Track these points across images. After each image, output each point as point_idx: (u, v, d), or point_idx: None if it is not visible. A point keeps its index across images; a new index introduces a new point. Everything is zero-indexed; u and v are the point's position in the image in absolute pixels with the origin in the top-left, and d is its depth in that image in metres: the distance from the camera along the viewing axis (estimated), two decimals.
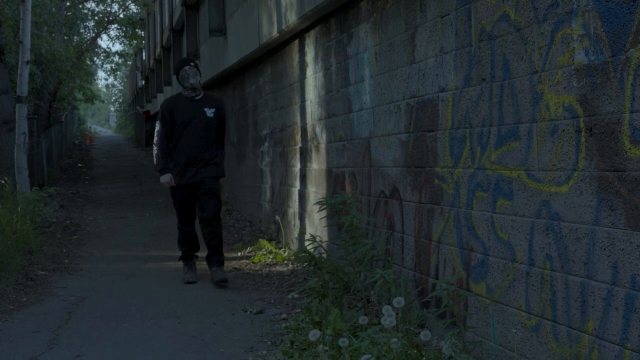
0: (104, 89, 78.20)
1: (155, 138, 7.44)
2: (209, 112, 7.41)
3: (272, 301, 6.52)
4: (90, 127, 53.96)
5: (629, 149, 3.05)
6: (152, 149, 7.98)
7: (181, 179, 7.35)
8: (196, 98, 7.45)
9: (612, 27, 3.14)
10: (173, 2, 23.82)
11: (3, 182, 10.49)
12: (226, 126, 7.70)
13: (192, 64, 7.43)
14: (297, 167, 8.75)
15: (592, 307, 3.30)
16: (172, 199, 7.67)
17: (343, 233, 5.88)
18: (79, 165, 25.06)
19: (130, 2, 31.39)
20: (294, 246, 8.79)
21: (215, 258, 7.41)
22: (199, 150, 7.35)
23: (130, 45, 39.45)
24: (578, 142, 3.38)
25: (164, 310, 6.26)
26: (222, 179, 8.69)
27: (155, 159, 7.45)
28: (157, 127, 7.44)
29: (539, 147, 3.69)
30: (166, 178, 7.36)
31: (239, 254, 9.03)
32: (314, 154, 7.99)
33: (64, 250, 9.56)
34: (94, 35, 32.60)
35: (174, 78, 22.38)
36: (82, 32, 32.91)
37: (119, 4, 31.71)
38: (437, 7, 4.82)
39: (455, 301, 4.43)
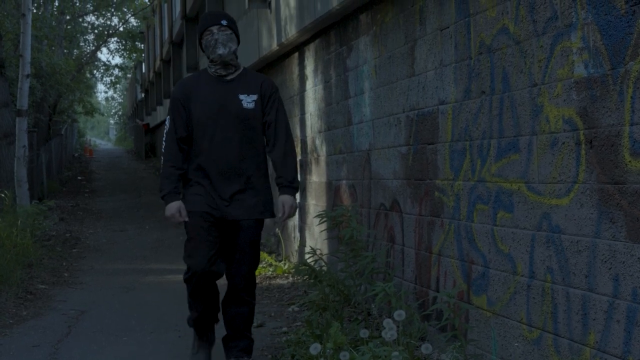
0: (103, 102, 78.34)
1: (163, 144, 4.70)
2: (248, 100, 4.63)
3: (273, 314, 6.51)
4: (89, 139, 54.03)
5: (629, 161, 3.05)
6: (159, 162, 4.87)
7: (203, 206, 4.59)
8: (228, 78, 4.67)
9: (611, 40, 3.14)
10: (173, 16, 23.89)
11: (3, 195, 10.49)
12: (282, 120, 4.70)
13: (223, 22, 4.62)
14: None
15: (594, 319, 3.29)
16: (184, 230, 4.74)
17: (343, 246, 5.88)
18: (79, 178, 25.07)
19: (130, 15, 31.49)
20: (294, 259, 8.78)
21: (237, 344, 4.79)
22: (233, 164, 4.61)
23: (130, 58, 39.56)
24: (578, 155, 3.38)
25: (164, 324, 6.24)
26: None
27: (160, 175, 4.71)
28: (166, 125, 4.72)
29: (539, 159, 3.69)
30: (171, 210, 4.54)
31: None
32: (313, 167, 7.99)
33: (64, 264, 9.55)
34: (93, 48, 32.69)
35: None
36: (82, 46, 33.01)
37: (119, 18, 31.81)
38: (437, 20, 4.83)
39: (456, 314, 4.43)
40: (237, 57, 4.71)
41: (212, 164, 4.61)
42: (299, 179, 4.77)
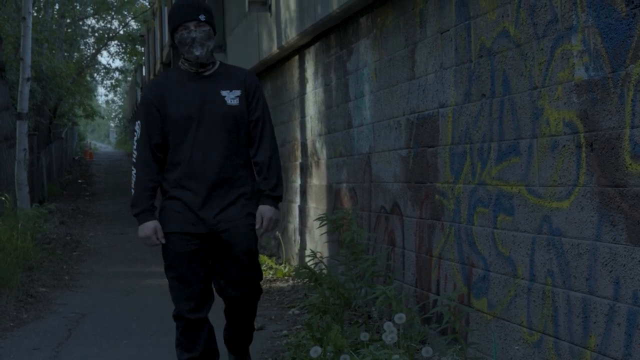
0: (104, 105, 78.38)
1: (134, 154, 4.11)
2: (231, 96, 4.09)
3: (273, 317, 6.50)
4: (90, 143, 54.01)
5: (630, 164, 3.05)
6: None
7: (184, 225, 4.03)
8: (206, 74, 4.13)
9: (611, 43, 3.14)
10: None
11: (3, 198, 10.49)
12: (267, 118, 4.21)
13: (201, 17, 4.05)
14: (297, 182, 8.75)
15: (594, 323, 3.29)
16: (163, 259, 4.14)
17: (344, 249, 5.87)
18: (79, 181, 25.07)
19: (130, 18, 31.51)
20: (295, 262, 8.78)
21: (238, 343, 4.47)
22: (218, 168, 4.04)
23: (130, 61, 39.59)
24: (579, 158, 3.38)
25: (164, 327, 6.23)
26: None
27: (132, 189, 4.07)
28: (136, 132, 4.12)
29: (539, 162, 3.69)
30: (146, 231, 4.00)
31: None
32: (314, 170, 7.99)
33: (64, 267, 9.55)
34: (94, 51, 32.71)
35: None
36: (82, 49, 33.03)
37: (119, 21, 31.83)
38: (437, 23, 4.83)
39: (457, 317, 4.42)
40: (212, 54, 4.17)
41: (195, 172, 4.01)
42: (282, 185, 4.22)
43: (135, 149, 4.07)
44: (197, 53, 4.03)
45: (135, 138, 4.06)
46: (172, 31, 4.11)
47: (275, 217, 4.12)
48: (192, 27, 4.03)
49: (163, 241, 4.00)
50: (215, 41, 4.15)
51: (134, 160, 4.06)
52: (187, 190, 4.02)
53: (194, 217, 4.01)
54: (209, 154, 4.03)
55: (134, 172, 4.03)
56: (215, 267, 4.11)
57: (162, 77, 4.25)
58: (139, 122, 4.08)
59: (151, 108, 4.06)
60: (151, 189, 4.03)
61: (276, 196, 4.12)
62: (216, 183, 4.03)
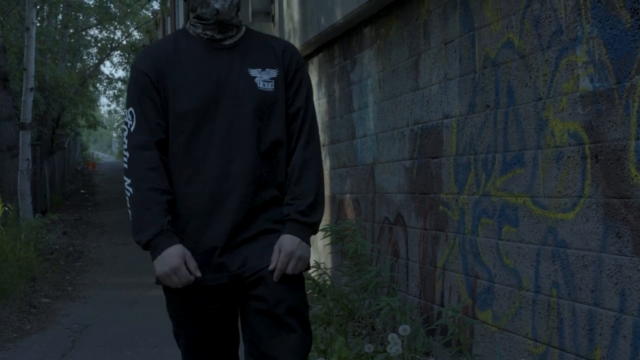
0: (106, 115, 78.47)
1: (126, 155, 2.67)
2: (264, 77, 2.71)
3: None
4: (92, 153, 54.10)
5: (635, 175, 3.04)
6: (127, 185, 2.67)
7: (200, 273, 2.63)
8: (227, 43, 2.73)
9: (617, 54, 3.14)
10: (176, 29, 23.95)
11: (6, 208, 10.49)
12: (310, 110, 2.75)
13: None
14: None
15: (600, 335, 3.28)
16: (170, 318, 2.79)
17: (347, 260, 5.86)
18: (82, 191, 25.08)
19: (133, 29, 31.61)
20: None
21: None
22: (246, 182, 2.65)
23: None
24: (584, 169, 3.38)
25: (167, 338, 6.21)
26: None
27: (130, 210, 2.65)
28: (130, 123, 2.68)
29: (544, 173, 3.69)
30: (172, 260, 2.57)
31: None
32: None
33: (67, 278, 9.54)
34: (97, 61, 32.78)
35: None
36: (85, 59, 33.10)
37: (122, 31, 31.92)
38: (441, 34, 4.83)
39: (461, 329, 4.41)
40: (238, 11, 2.78)
41: (209, 186, 2.64)
42: (322, 207, 2.77)
43: (128, 148, 2.67)
44: (218, 5, 2.64)
45: (128, 132, 2.67)
46: None
47: (300, 254, 2.69)
48: None
49: (198, 273, 2.61)
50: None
51: (127, 165, 2.66)
52: (195, 217, 2.67)
53: (211, 260, 2.66)
54: (231, 159, 2.66)
55: (128, 182, 2.65)
56: (244, 334, 2.73)
57: (163, 45, 2.76)
58: (131, 109, 2.69)
59: (148, 88, 2.68)
60: (164, 202, 2.62)
61: (309, 223, 2.71)
62: (240, 204, 2.65)
